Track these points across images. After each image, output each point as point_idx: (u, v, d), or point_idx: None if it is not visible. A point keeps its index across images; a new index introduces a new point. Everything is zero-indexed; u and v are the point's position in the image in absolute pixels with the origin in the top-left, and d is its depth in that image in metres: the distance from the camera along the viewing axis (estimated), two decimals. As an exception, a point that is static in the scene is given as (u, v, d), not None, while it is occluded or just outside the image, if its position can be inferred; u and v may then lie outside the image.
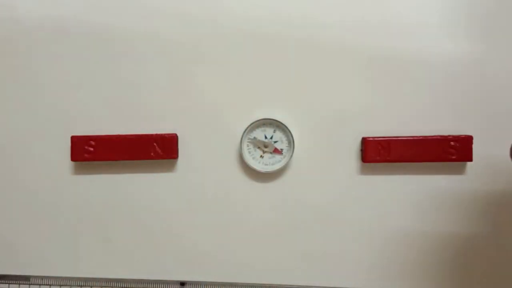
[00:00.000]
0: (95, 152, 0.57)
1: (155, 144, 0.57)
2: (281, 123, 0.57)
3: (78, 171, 0.60)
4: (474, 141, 0.55)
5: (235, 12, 0.60)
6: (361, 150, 0.56)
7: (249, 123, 0.58)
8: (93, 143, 0.57)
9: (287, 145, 0.57)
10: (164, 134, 0.56)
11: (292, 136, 0.57)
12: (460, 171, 0.57)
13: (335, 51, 0.59)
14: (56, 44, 0.62)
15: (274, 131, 0.57)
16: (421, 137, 0.55)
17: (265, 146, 0.58)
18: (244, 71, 0.60)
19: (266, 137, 0.58)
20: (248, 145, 0.58)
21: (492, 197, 0.58)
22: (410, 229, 0.58)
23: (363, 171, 0.58)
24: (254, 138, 0.58)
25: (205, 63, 0.60)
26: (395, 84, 0.58)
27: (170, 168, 0.59)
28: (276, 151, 0.57)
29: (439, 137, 0.55)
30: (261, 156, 0.58)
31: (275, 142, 0.57)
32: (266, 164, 0.58)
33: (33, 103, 0.61)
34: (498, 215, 0.58)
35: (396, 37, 0.58)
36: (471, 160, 0.55)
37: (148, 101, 0.60)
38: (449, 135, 0.55)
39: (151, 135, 0.56)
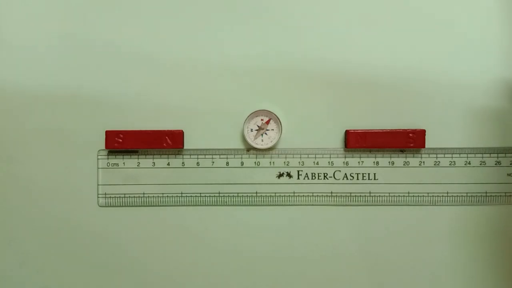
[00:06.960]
0: (123, 142, 0.67)
1: (166, 137, 0.68)
2: (272, 113, 0.67)
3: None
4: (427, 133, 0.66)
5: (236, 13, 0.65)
6: (345, 139, 0.68)
7: (247, 115, 0.66)
8: (122, 136, 0.67)
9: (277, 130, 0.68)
10: (173, 130, 0.68)
11: (280, 124, 0.67)
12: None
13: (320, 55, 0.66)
14: (63, 47, 0.65)
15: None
16: (388, 130, 0.67)
17: (261, 129, 0.68)
18: (241, 73, 0.66)
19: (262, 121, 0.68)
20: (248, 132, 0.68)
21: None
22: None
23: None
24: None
25: (207, 62, 0.66)
26: (372, 89, 0.66)
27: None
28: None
29: (400, 131, 0.67)
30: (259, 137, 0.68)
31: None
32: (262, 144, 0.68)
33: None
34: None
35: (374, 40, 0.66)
36: (423, 147, 0.66)
37: (160, 103, 0.67)
38: (407, 129, 0.67)
39: (163, 131, 0.68)
